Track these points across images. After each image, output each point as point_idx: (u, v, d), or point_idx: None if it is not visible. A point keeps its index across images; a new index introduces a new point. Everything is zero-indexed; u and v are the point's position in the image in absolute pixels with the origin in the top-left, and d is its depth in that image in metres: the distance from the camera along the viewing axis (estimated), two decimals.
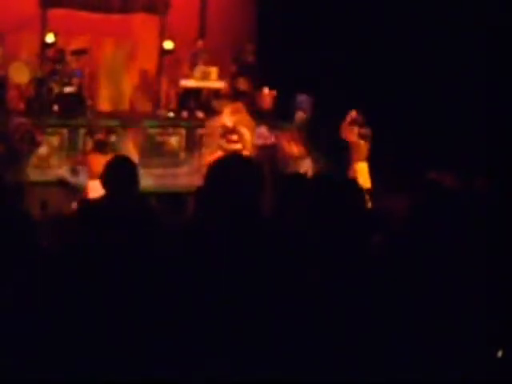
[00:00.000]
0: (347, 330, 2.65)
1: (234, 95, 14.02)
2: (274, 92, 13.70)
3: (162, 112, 13.98)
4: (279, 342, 2.63)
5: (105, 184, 4.75)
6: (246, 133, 10.95)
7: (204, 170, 3.02)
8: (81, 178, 11.41)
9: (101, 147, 10.71)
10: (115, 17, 14.23)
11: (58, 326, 2.97)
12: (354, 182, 2.99)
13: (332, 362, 2.63)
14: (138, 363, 2.74)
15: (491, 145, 11.13)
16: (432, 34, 12.23)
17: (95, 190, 9.77)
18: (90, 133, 11.41)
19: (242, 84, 13.96)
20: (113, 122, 12.70)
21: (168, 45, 14.10)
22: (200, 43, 13.95)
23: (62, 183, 11.83)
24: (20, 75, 12.89)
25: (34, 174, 11.60)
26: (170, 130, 13.26)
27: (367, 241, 2.87)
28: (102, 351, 2.89)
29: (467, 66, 11.84)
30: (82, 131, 12.51)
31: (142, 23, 14.62)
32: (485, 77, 11.59)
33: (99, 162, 10.43)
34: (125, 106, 14.73)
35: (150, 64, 14.76)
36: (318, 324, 2.65)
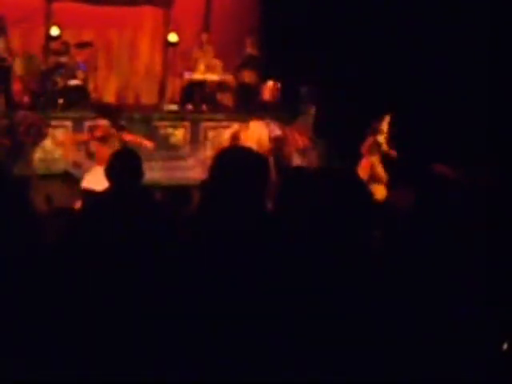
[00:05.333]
0: (349, 326, 2.64)
1: (239, 88, 14.01)
2: (279, 84, 13.68)
3: (166, 105, 13.97)
4: (281, 339, 2.63)
5: (109, 177, 4.75)
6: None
7: (209, 163, 3.02)
8: (84, 171, 11.40)
9: (103, 141, 10.70)
10: (120, 10, 14.22)
11: (63, 319, 2.97)
12: (357, 176, 2.99)
13: (334, 358, 2.63)
14: (144, 359, 2.74)
15: (496, 138, 11.12)
16: (436, 30, 12.22)
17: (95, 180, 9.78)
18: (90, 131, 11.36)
19: (247, 77, 13.95)
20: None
21: (173, 38, 14.08)
22: (204, 36, 13.93)
23: (67, 176, 11.84)
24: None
25: (39, 168, 11.61)
26: (175, 122, 13.26)
27: (370, 235, 2.86)
28: (104, 345, 2.89)
29: (473, 60, 11.83)
30: (87, 124, 12.51)
31: (146, 16, 14.61)
32: (489, 70, 11.59)
33: (104, 151, 10.44)
34: (129, 99, 14.73)
35: (154, 57, 14.76)
36: (320, 319, 2.65)
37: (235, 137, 10.69)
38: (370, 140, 10.99)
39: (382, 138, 11.00)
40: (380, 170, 10.74)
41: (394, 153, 10.97)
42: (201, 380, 2.62)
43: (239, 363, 2.62)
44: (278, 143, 11.82)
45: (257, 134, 10.77)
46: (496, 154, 10.03)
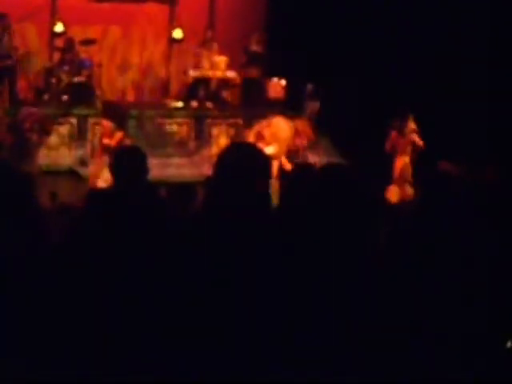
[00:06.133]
0: (353, 323, 2.64)
1: (243, 85, 14.01)
2: (284, 81, 13.68)
3: (171, 102, 13.97)
4: (282, 337, 2.63)
5: (114, 174, 4.75)
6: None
7: (213, 160, 3.02)
8: (90, 169, 11.40)
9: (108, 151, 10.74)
10: (124, 6, 14.23)
11: (65, 317, 2.97)
12: (362, 173, 2.98)
13: (334, 358, 2.62)
14: (145, 358, 2.74)
15: (498, 136, 11.12)
16: (440, 28, 12.21)
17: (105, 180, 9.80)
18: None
19: (252, 74, 13.95)
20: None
21: (177, 34, 14.09)
22: (209, 33, 13.92)
23: (71, 173, 11.85)
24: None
25: (43, 164, 11.62)
26: (179, 119, 13.26)
27: (375, 231, 2.86)
28: (105, 345, 2.89)
29: (479, 57, 11.83)
30: (92, 121, 12.52)
31: (151, 13, 14.61)
32: (495, 68, 11.59)
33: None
34: (134, 95, 14.75)
35: (159, 54, 14.76)
36: (324, 316, 2.64)
37: (259, 136, 10.74)
38: (396, 139, 11.06)
39: (414, 137, 11.09)
40: (409, 170, 10.84)
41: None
42: (201, 380, 2.62)
43: (240, 363, 2.62)
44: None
45: (280, 131, 10.82)
46: (499, 152, 10.02)
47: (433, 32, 12.23)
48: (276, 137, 10.68)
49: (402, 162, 10.93)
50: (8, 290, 3.02)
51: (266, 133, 10.78)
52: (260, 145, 10.36)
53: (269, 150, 10.13)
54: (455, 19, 12.04)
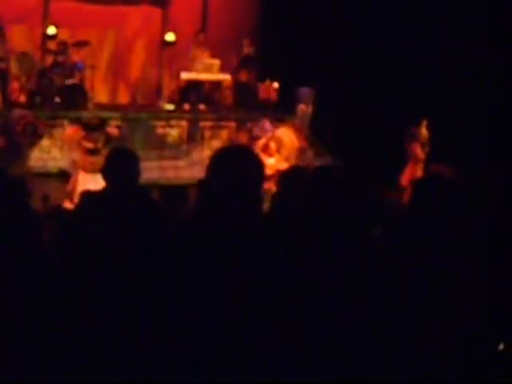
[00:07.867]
0: (346, 323, 2.64)
1: (236, 87, 14.02)
2: (276, 84, 13.69)
3: (163, 104, 13.97)
4: (278, 335, 2.63)
5: (106, 176, 4.75)
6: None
7: (206, 163, 3.02)
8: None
9: (92, 153, 10.79)
10: (117, 9, 14.22)
11: (60, 317, 2.97)
12: (354, 175, 2.98)
13: (331, 356, 2.63)
14: (136, 359, 2.73)
15: (496, 138, 11.14)
16: (433, 29, 12.24)
17: (85, 183, 9.85)
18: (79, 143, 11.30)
19: (244, 76, 13.96)
20: (114, 115, 12.70)
21: (170, 37, 14.09)
22: (202, 36, 13.93)
23: (63, 175, 11.82)
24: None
25: (35, 166, 11.60)
26: (172, 122, 13.26)
27: (367, 233, 2.86)
28: (101, 346, 2.89)
29: (474, 54, 11.86)
30: None
31: (144, 15, 14.61)
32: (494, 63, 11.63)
33: (90, 162, 10.53)
34: (126, 98, 14.74)
35: (151, 56, 14.76)
36: (317, 317, 2.65)
37: (266, 148, 10.89)
38: (410, 147, 11.15)
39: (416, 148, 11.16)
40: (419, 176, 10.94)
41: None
42: (199, 381, 2.63)
43: (238, 364, 2.62)
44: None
45: (286, 141, 11.00)
46: (495, 155, 10.04)
47: (431, 34, 12.27)
48: (282, 147, 10.86)
49: (411, 169, 11.00)
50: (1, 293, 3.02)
51: (272, 144, 10.96)
52: (266, 156, 10.54)
53: (272, 160, 10.31)
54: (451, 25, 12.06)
